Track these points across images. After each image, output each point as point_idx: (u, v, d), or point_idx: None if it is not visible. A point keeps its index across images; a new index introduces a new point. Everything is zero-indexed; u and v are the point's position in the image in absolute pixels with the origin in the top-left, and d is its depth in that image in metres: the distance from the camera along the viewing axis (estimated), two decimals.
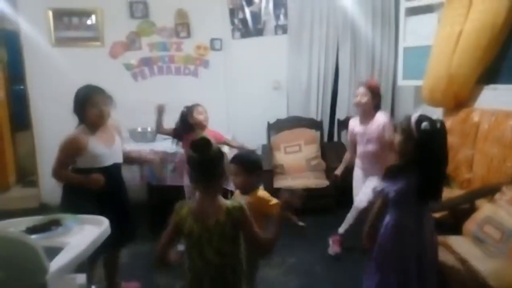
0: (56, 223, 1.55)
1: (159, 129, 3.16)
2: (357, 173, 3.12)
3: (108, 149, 2.30)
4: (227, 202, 1.56)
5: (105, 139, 2.31)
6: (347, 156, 3.23)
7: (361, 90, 2.91)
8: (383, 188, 1.83)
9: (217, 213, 1.51)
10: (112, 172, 2.31)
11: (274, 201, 1.93)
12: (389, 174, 1.85)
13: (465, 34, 2.95)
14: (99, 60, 4.06)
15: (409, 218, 1.81)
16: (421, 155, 1.74)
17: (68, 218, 1.59)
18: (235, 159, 2.04)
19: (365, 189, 2.92)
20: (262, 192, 2.03)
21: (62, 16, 3.97)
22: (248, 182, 1.99)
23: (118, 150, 2.39)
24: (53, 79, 3.94)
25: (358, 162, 3.10)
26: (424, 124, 1.72)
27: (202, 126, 3.11)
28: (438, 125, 1.75)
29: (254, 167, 2.01)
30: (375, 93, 2.90)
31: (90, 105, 2.22)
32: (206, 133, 3.14)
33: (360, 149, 3.03)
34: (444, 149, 1.79)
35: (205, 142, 1.52)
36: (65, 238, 1.47)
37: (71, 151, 2.18)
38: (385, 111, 3.15)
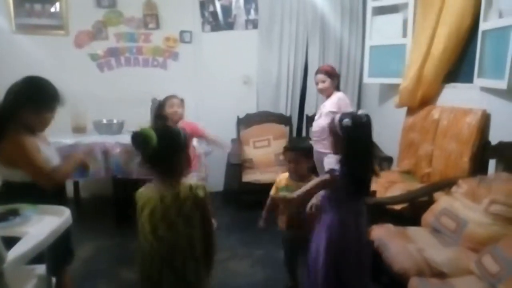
0: (14, 213, 1.49)
1: None
2: (314, 156, 3.24)
3: (50, 148, 1.94)
4: (191, 182, 1.54)
5: (43, 139, 1.92)
6: None
7: (320, 76, 3.13)
8: (334, 169, 1.83)
9: (177, 188, 1.50)
10: None
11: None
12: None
13: (438, 37, 3.07)
14: (63, 49, 3.93)
15: (348, 220, 1.87)
16: (350, 152, 1.78)
17: (26, 208, 1.54)
18: (294, 147, 2.15)
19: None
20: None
21: (23, 1, 3.80)
22: (306, 167, 2.12)
23: (53, 147, 2.02)
24: (13, 67, 3.75)
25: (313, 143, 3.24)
26: (345, 121, 1.76)
27: (174, 119, 3.08)
28: (364, 118, 1.78)
29: (311, 153, 2.15)
30: (332, 75, 3.12)
31: (45, 111, 1.81)
32: (181, 125, 3.11)
33: (313, 125, 3.26)
34: (370, 141, 1.84)
35: (142, 136, 1.45)
36: (23, 228, 1.42)
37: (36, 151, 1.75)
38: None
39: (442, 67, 3.08)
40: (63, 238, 1.58)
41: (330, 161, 1.88)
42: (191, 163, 1.64)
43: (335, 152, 1.87)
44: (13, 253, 1.23)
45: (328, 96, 3.15)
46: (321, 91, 3.19)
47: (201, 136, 3.24)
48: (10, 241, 1.30)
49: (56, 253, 1.55)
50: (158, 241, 1.50)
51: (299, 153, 2.08)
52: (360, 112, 1.82)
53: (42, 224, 1.45)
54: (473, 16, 2.83)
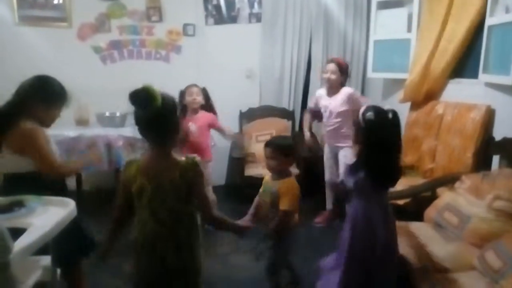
0: (19, 204, 1.50)
1: None
2: (326, 150, 3.37)
3: (51, 143, 1.99)
4: (182, 159, 1.44)
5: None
6: (306, 116, 3.55)
7: (331, 66, 3.06)
8: (342, 180, 1.91)
9: (171, 171, 1.40)
10: None
11: (292, 206, 2.01)
12: (350, 169, 1.91)
13: (447, 32, 3.06)
14: (66, 42, 3.91)
15: (374, 209, 1.86)
16: (369, 144, 1.79)
17: (31, 199, 1.54)
18: (271, 143, 2.08)
19: (340, 166, 3.15)
20: (294, 183, 2.08)
21: None
22: (283, 166, 2.06)
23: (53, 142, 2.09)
24: (16, 59, 3.77)
25: (326, 138, 3.33)
26: (368, 114, 1.77)
27: (193, 107, 3.11)
28: (390, 115, 1.78)
29: (290, 151, 2.07)
30: (343, 71, 3.07)
31: (55, 106, 1.93)
32: (199, 116, 3.15)
33: (325, 122, 3.24)
34: (394, 137, 1.82)
35: (146, 94, 1.33)
36: (28, 219, 1.43)
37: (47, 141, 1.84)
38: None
39: (449, 62, 3.07)
40: (74, 231, 1.63)
41: (346, 155, 1.89)
42: (184, 138, 1.54)
43: (355, 142, 1.89)
44: (18, 244, 1.23)
45: (331, 87, 3.12)
46: (327, 80, 3.12)
47: (218, 128, 3.27)
48: (16, 232, 1.31)
49: (67, 245, 1.58)
50: (160, 225, 1.44)
51: (275, 150, 2.01)
52: (387, 107, 1.83)
53: (47, 216, 1.46)
54: (479, 11, 2.81)
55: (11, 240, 1.17)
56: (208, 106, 3.25)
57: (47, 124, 1.92)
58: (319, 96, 3.30)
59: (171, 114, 1.42)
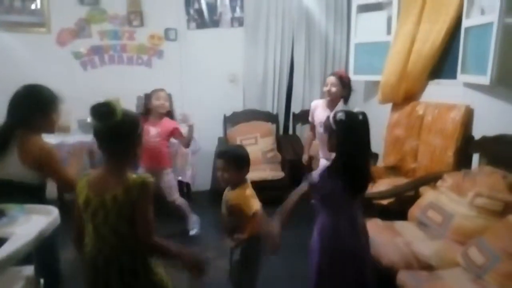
0: (0, 213, 1.46)
1: None
2: (322, 163, 3.11)
3: None
4: (131, 177, 1.39)
5: None
6: (308, 135, 3.36)
7: (332, 79, 2.95)
8: (312, 175, 1.82)
9: (116, 187, 1.36)
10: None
11: (255, 206, 1.90)
12: (328, 172, 1.81)
13: (421, 33, 3.12)
14: (45, 48, 3.84)
15: (343, 219, 1.80)
16: (342, 146, 1.76)
17: (12, 208, 1.50)
18: (224, 154, 1.99)
19: None
20: (249, 191, 1.96)
21: None
22: (237, 177, 1.95)
23: None
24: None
25: (320, 151, 3.17)
26: (339, 115, 1.75)
27: (160, 111, 3.04)
28: (360, 116, 1.76)
29: (244, 162, 1.97)
30: (344, 84, 2.93)
31: (52, 111, 1.95)
32: (163, 122, 3.07)
33: (319, 136, 3.09)
34: (364, 139, 1.79)
35: (104, 106, 1.33)
36: (10, 229, 1.38)
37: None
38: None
39: (427, 63, 3.13)
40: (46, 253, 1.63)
41: (320, 166, 1.86)
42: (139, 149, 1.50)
43: (331, 150, 1.84)
44: (0, 254, 1.19)
45: (332, 101, 2.96)
46: (328, 93, 2.97)
47: (179, 137, 3.11)
48: None
49: (50, 254, 1.54)
50: (102, 243, 1.40)
51: (228, 161, 1.92)
52: (356, 110, 1.81)
53: (29, 224, 1.42)
54: (455, 12, 2.89)
55: None
56: (171, 113, 3.17)
57: (51, 130, 1.97)
58: (315, 106, 3.13)
59: (130, 131, 1.41)
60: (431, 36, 3.04)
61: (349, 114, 1.77)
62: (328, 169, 1.81)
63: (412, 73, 3.21)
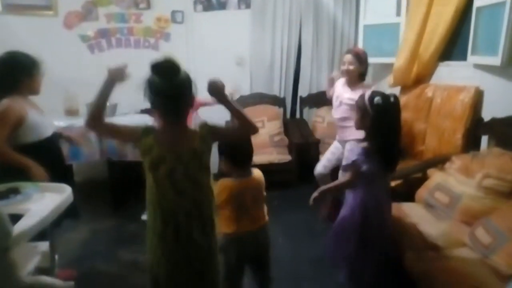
0: (15, 191, 1.49)
1: None
2: (335, 145, 3.10)
3: (44, 117, 2.14)
4: (196, 128, 1.43)
5: (36, 107, 2.12)
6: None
7: (348, 57, 2.87)
8: (356, 159, 1.84)
9: (191, 140, 1.38)
10: (55, 142, 2.19)
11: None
12: (367, 153, 1.85)
13: (434, 14, 3.07)
14: (52, 30, 3.84)
15: (382, 193, 1.93)
16: (378, 129, 1.82)
17: (27, 186, 1.53)
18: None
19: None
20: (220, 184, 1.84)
21: None
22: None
23: (49, 117, 2.25)
24: (1, 49, 3.68)
25: (338, 134, 3.08)
26: (377, 99, 1.80)
27: None
28: (392, 99, 1.83)
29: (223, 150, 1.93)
30: (361, 61, 2.87)
31: (37, 73, 2.08)
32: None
33: (334, 112, 3.04)
34: (398, 121, 1.89)
35: (171, 64, 1.33)
36: (25, 205, 1.42)
37: (12, 121, 1.89)
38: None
39: (437, 45, 3.09)
40: None
41: (352, 149, 1.89)
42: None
43: (360, 128, 1.91)
44: (17, 229, 1.23)
45: (352, 82, 2.89)
46: (345, 72, 2.89)
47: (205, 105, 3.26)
48: (12, 219, 1.30)
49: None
50: (182, 196, 1.40)
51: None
52: (388, 92, 1.87)
53: (43, 202, 1.45)
54: None
55: (11, 225, 1.16)
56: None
57: (36, 92, 2.09)
58: (338, 85, 3.05)
59: (190, 87, 1.41)
60: (443, 17, 2.99)
61: (385, 98, 1.82)
62: (365, 150, 1.86)
63: (424, 56, 3.17)
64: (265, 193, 1.90)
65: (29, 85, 2.03)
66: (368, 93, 1.86)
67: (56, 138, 2.22)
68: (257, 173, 1.90)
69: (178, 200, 1.40)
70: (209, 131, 1.43)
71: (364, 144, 1.89)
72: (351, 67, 2.85)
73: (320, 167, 3.08)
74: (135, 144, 1.42)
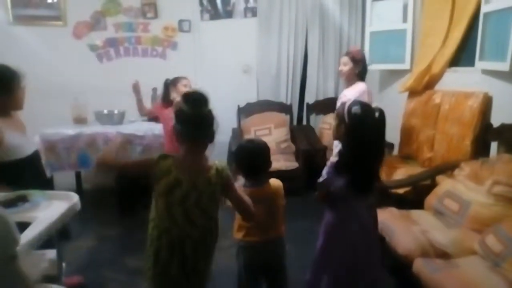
0: (23, 199, 1.50)
1: (141, 110, 3.07)
2: (336, 145, 3.12)
3: (25, 136, 2.07)
4: (215, 161, 1.49)
5: (17, 125, 2.04)
6: None
7: (344, 59, 2.94)
8: (324, 180, 1.76)
9: (207, 172, 1.44)
10: (36, 159, 2.13)
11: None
12: (335, 168, 1.75)
13: (454, 21, 3.06)
14: (61, 41, 3.91)
15: (351, 217, 1.72)
16: (351, 140, 1.66)
17: (35, 194, 1.55)
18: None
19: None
20: None
21: None
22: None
23: (31, 135, 2.20)
24: (11, 59, 3.72)
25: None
26: (355, 108, 1.63)
27: None
28: (377, 113, 1.63)
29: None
30: (356, 61, 2.88)
31: (17, 87, 1.96)
32: None
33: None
34: (377, 138, 1.67)
35: (200, 95, 1.42)
36: (33, 213, 1.43)
37: None
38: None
39: (451, 51, 3.07)
40: None
41: (328, 164, 1.79)
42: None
43: (335, 137, 1.79)
44: (24, 237, 1.24)
45: (349, 82, 2.94)
46: (340, 73, 3.01)
47: None
48: (20, 227, 1.31)
49: None
50: (192, 225, 1.45)
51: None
52: (374, 105, 1.69)
53: (50, 209, 1.46)
54: None
55: (18, 233, 1.17)
56: None
57: (18, 107, 2.00)
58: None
59: (213, 122, 1.48)
60: (460, 23, 2.98)
61: (366, 109, 1.64)
62: (335, 165, 1.75)
63: (439, 62, 3.15)
64: (283, 203, 1.86)
65: (7, 103, 1.94)
66: (348, 103, 1.69)
67: (37, 155, 2.17)
68: (274, 182, 1.86)
69: (188, 227, 1.45)
70: (226, 169, 1.50)
71: (336, 158, 1.78)
72: (344, 68, 2.91)
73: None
74: (150, 169, 1.46)
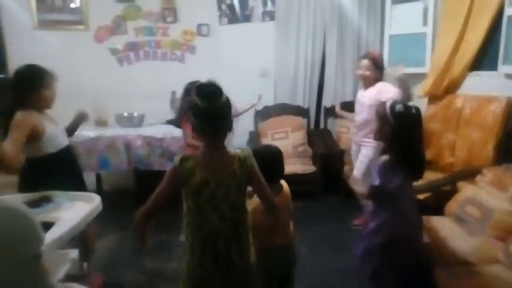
0: (47, 200, 1.54)
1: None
2: (353, 148, 3.15)
3: (59, 128, 2.16)
4: (236, 150, 1.46)
5: (51, 120, 2.13)
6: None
7: (365, 62, 2.85)
8: (382, 181, 1.76)
9: (231, 164, 1.42)
10: (72, 151, 2.23)
11: None
12: (387, 170, 1.78)
13: (470, 24, 3.01)
14: (83, 44, 3.99)
15: (408, 209, 1.80)
16: (400, 139, 1.72)
17: (58, 195, 1.58)
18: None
19: (358, 162, 2.95)
20: None
21: None
22: None
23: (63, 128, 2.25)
24: (35, 63, 3.81)
25: (352, 135, 3.14)
26: (398, 107, 1.72)
27: None
28: (413, 110, 1.75)
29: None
30: (378, 66, 2.85)
31: (45, 87, 2.03)
32: None
33: (355, 118, 3.06)
34: (419, 132, 1.79)
35: (214, 88, 1.39)
36: (56, 214, 1.46)
37: (27, 130, 1.88)
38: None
39: (471, 55, 3.02)
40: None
41: (368, 154, 1.81)
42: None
43: (379, 138, 1.83)
44: (48, 237, 1.27)
45: (366, 84, 2.91)
46: (361, 77, 2.91)
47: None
48: (44, 227, 1.34)
49: None
50: (222, 220, 1.44)
51: None
52: (410, 103, 1.81)
53: (74, 210, 1.49)
54: (499, 2, 2.77)
55: (43, 232, 1.20)
56: None
57: (45, 106, 2.07)
58: (358, 95, 3.08)
59: (230, 110, 1.46)
60: (479, 27, 2.93)
61: (407, 107, 1.74)
62: (386, 164, 1.78)
63: (458, 66, 3.10)
64: (292, 207, 1.86)
65: (35, 100, 2.00)
66: (389, 102, 1.79)
67: (71, 148, 2.26)
68: (286, 188, 1.87)
69: (220, 223, 1.44)
70: (249, 157, 1.47)
71: (385, 157, 1.80)
72: (368, 73, 2.84)
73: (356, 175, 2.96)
74: (176, 178, 1.43)
